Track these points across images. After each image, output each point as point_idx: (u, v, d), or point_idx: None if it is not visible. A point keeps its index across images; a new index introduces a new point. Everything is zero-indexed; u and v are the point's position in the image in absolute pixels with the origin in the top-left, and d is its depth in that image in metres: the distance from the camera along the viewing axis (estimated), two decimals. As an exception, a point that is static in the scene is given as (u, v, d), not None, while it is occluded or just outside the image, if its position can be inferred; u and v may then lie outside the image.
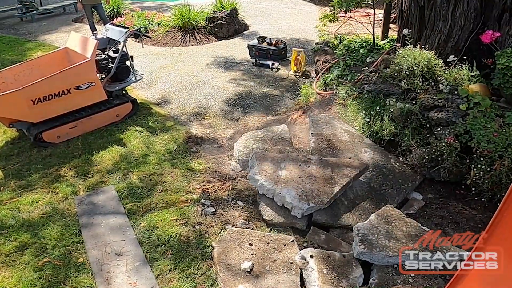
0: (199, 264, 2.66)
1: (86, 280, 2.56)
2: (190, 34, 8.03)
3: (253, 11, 10.17)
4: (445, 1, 3.90)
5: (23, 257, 2.76)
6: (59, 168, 3.83)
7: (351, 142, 3.76)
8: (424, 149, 3.28)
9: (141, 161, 3.89)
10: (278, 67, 6.39)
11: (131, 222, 3.07)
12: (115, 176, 3.67)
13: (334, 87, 4.87)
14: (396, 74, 3.95)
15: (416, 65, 3.75)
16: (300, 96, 5.26)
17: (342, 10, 5.11)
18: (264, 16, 9.82)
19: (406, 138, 3.52)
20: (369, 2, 5.24)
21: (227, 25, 8.16)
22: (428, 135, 3.40)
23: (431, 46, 4.06)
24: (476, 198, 3.04)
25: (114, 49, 4.93)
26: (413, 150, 3.42)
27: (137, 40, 6.51)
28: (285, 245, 2.73)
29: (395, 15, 6.72)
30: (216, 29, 8.12)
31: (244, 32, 8.55)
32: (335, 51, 5.77)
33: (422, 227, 2.68)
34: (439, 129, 3.25)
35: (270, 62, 6.43)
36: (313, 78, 5.77)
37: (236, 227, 2.97)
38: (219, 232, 2.93)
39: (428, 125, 3.43)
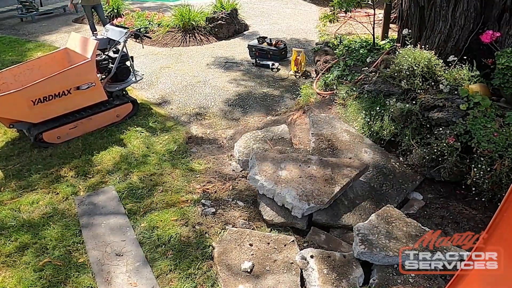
0: (199, 264, 2.66)
1: (86, 281, 2.56)
2: (190, 35, 8.03)
3: (253, 12, 10.18)
4: (445, 1, 3.90)
5: (23, 258, 2.77)
6: (59, 169, 3.83)
7: (351, 142, 3.76)
8: (424, 149, 3.27)
9: (142, 162, 3.89)
10: (278, 67, 6.39)
11: (132, 223, 3.07)
12: (115, 176, 3.67)
13: (334, 87, 4.88)
14: (396, 74, 3.95)
15: (416, 65, 3.75)
16: (300, 96, 5.26)
17: (342, 10, 5.11)
18: (264, 17, 9.82)
19: (406, 138, 3.52)
20: (369, 2, 5.24)
21: (227, 25, 8.16)
22: (428, 135, 3.40)
23: (431, 46, 4.06)
24: (476, 198, 3.04)
25: (114, 50, 4.94)
26: (413, 150, 3.41)
27: (137, 40, 6.52)
28: (285, 245, 2.73)
29: (395, 15, 6.72)
30: (216, 30, 8.12)
31: (244, 33, 8.55)
32: (335, 51, 5.77)
33: (423, 227, 2.68)
34: (439, 129, 3.25)
35: (270, 62, 6.43)
36: (313, 78, 5.77)
37: (236, 227, 2.97)
38: (220, 232, 2.94)
39: (428, 125, 3.43)
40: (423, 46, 3.99)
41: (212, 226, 3.00)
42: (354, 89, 4.44)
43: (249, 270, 2.54)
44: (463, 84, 3.47)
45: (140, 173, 3.69)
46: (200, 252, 2.76)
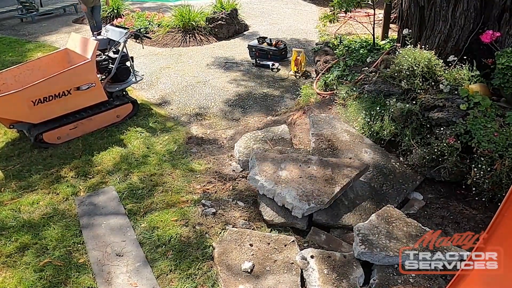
0: (199, 265, 2.66)
1: (86, 281, 2.56)
2: (190, 35, 8.03)
3: (253, 12, 10.18)
4: (445, 1, 3.90)
5: (23, 258, 2.77)
6: (59, 169, 3.84)
7: (352, 142, 3.76)
8: (424, 149, 3.27)
9: (142, 162, 3.90)
10: (278, 68, 6.39)
11: (132, 223, 3.07)
12: (115, 176, 3.67)
13: (334, 87, 4.88)
14: (396, 74, 3.95)
15: (416, 65, 3.75)
16: (300, 96, 5.26)
17: (342, 10, 5.11)
18: (264, 17, 9.83)
19: (406, 138, 3.52)
20: (369, 2, 5.24)
21: (227, 25, 8.16)
22: (428, 135, 3.40)
23: (431, 46, 4.06)
24: (476, 198, 3.03)
25: (114, 50, 4.94)
26: (413, 150, 3.41)
27: (137, 41, 6.52)
28: (285, 246, 2.73)
29: (395, 15, 6.73)
30: (216, 30, 8.13)
31: (244, 33, 8.55)
32: (335, 52, 5.77)
33: (423, 227, 2.68)
34: (439, 129, 3.25)
35: (270, 63, 6.43)
36: (313, 78, 5.77)
37: (236, 228, 2.97)
38: (220, 233, 2.94)
39: (428, 125, 3.43)
40: (423, 46, 4.00)
41: (212, 226, 3.00)
42: (354, 89, 4.44)
43: (249, 270, 2.54)
44: (463, 84, 3.47)
45: (140, 174, 3.69)
46: (201, 252, 2.76)
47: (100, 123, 4.57)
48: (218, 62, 6.82)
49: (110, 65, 4.74)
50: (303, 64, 6.00)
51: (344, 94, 4.53)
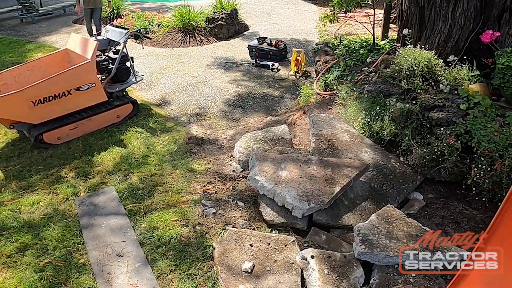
0: (200, 265, 2.66)
1: (87, 281, 2.56)
2: (190, 35, 8.03)
3: (253, 12, 10.18)
4: (445, 1, 3.90)
5: (24, 258, 2.77)
6: (59, 169, 3.84)
7: (352, 142, 3.76)
8: (424, 149, 3.27)
9: (142, 162, 3.90)
10: (278, 68, 6.39)
11: (132, 223, 3.07)
12: (115, 177, 3.67)
13: (334, 88, 4.88)
14: (396, 74, 3.95)
15: (416, 65, 3.75)
16: (300, 96, 5.26)
17: (342, 10, 5.11)
18: (264, 17, 9.83)
19: (406, 138, 3.52)
20: (369, 2, 5.24)
21: (227, 25, 8.16)
22: (428, 135, 3.40)
23: (431, 46, 4.06)
24: (476, 198, 3.03)
25: (114, 50, 4.94)
26: (413, 150, 3.41)
27: (137, 41, 6.53)
28: (285, 246, 2.73)
29: (395, 15, 6.73)
30: (216, 30, 8.13)
31: (244, 33, 8.55)
32: (335, 52, 5.77)
33: (423, 227, 2.68)
34: (439, 129, 3.25)
35: (270, 63, 6.44)
36: (313, 78, 5.77)
37: (236, 228, 2.97)
38: (220, 233, 2.94)
39: (428, 125, 3.43)
40: (423, 46, 3.99)
41: (212, 227, 3.01)
42: (354, 89, 4.44)
43: (249, 271, 2.54)
44: (463, 84, 3.47)
45: (141, 174, 3.69)
46: (201, 252, 2.76)
47: (100, 123, 4.57)
48: (218, 62, 6.82)
49: (110, 65, 4.74)
50: (303, 64, 6.00)
51: (344, 94, 4.53)
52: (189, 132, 4.57)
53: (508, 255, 1.72)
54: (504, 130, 2.95)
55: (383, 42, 5.62)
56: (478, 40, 3.63)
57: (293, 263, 2.59)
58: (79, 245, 2.87)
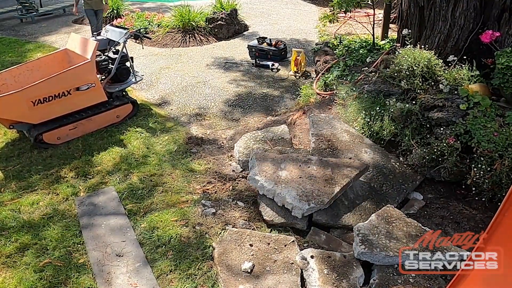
0: (199, 265, 2.66)
1: (86, 281, 2.56)
2: (190, 35, 8.03)
3: (253, 12, 10.18)
4: (444, 1, 3.90)
5: (23, 258, 2.77)
6: (59, 169, 3.84)
7: (351, 142, 3.76)
8: (424, 149, 3.27)
9: (142, 162, 3.90)
10: (278, 68, 6.39)
11: (132, 223, 3.07)
12: (115, 177, 3.67)
13: (334, 88, 4.87)
14: (396, 74, 3.95)
15: (416, 65, 3.75)
16: (300, 96, 5.26)
17: (342, 10, 5.11)
18: (264, 17, 9.83)
19: (406, 138, 3.52)
20: (369, 2, 5.24)
21: (227, 25, 8.16)
22: (428, 135, 3.40)
23: (431, 46, 4.06)
24: (476, 198, 3.03)
25: (114, 50, 4.94)
26: (413, 150, 3.42)
27: (137, 41, 6.52)
28: (285, 246, 2.73)
29: (395, 15, 6.73)
30: (216, 30, 8.13)
31: (244, 33, 8.55)
32: (335, 52, 5.77)
33: (423, 227, 2.68)
34: (439, 129, 3.25)
35: (270, 63, 6.44)
36: (313, 78, 5.77)
37: (236, 228, 2.97)
38: (220, 233, 2.94)
39: (428, 125, 3.43)
40: (422, 46, 3.99)
41: (212, 227, 3.00)
42: (354, 89, 4.44)
43: (249, 271, 2.54)
44: (463, 84, 3.47)
45: (140, 174, 3.69)
46: (201, 252, 2.76)
47: (100, 123, 4.57)
48: (218, 62, 6.82)
49: (110, 65, 4.74)
50: (303, 64, 6.00)
51: (344, 94, 4.53)
52: (189, 132, 4.57)
53: (508, 255, 1.72)
54: (504, 130, 2.95)
55: (383, 42, 5.62)
56: (478, 40, 3.63)
57: (293, 263, 2.59)
58: (79, 245, 2.87)
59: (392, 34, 6.14)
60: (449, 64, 3.76)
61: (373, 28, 5.41)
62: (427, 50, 3.88)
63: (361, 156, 3.57)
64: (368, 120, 3.90)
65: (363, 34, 6.31)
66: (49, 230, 3.02)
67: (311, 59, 6.42)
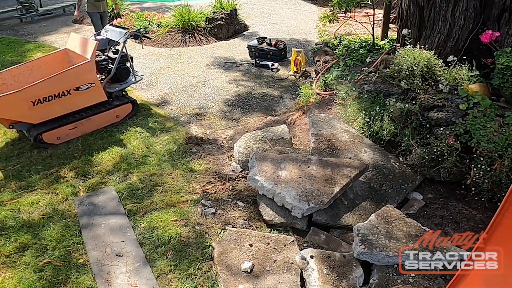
0: (199, 265, 2.66)
1: (86, 281, 2.56)
2: (190, 35, 8.03)
3: (253, 12, 10.18)
4: (444, 1, 3.90)
5: (23, 258, 2.76)
6: (59, 169, 3.83)
7: (351, 142, 3.76)
8: (424, 149, 3.27)
9: (141, 162, 3.89)
10: (278, 68, 6.39)
11: (131, 223, 3.07)
12: (115, 177, 3.67)
13: (334, 88, 4.87)
14: (395, 74, 3.95)
15: (416, 65, 3.75)
16: (300, 96, 5.26)
17: (341, 10, 5.11)
18: (264, 17, 9.83)
19: (406, 138, 3.52)
20: (369, 2, 5.24)
21: (227, 25, 8.16)
22: (428, 135, 3.40)
23: (431, 46, 4.06)
24: (476, 198, 3.03)
25: (114, 50, 4.94)
26: (413, 150, 3.42)
27: (137, 41, 6.50)
28: (285, 246, 2.73)
29: (394, 15, 6.72)
30: (216, 30, 8.12)
31: (244, 33, 8.55)
32: (335, 52, 5.77)
33: (422, 227, 2.68)
34: (439, 129, 3.25)
35: (270, 63, 6.43)
36: (313, 78, 5.77)
37: (236, 228, 2.97)
38: (219, 233, 2.94)
39: (428, 125, 3.43)
40: (422, 46, 3.99)
41: (212, 227, 3.00)
42: (354, 89, 4.44)
43: (249, 270, 2.54)
44: (463, 84, 3.47)
45: (140, 174, 3.69)
46: (200, 252, 2.76)
47: (100, 123, 4.57)
48: (217, 62, 6.82)
49: (109, 65, 4.74)
50: (302, 64, 6.00)
51: (343, 94, 4.53)
52: (188, 132, 4.57)
53: (508, 255, 1.72)
54: (504, 130, 2.95)
55: (383, 42, 5.62)
56: (477, 40, 3.63)
57: (292, 263, 2.58)
58: (79, 245, 2.87)
59: (392, 34, 6.14)
60: (449, 64, 3.76)
61: (373, 28, 5.41)
62: (427, 50, 3.88)
63: (360, 156, 3.57)
64: (368, 120, 3.90)
65: (363, 34, 6.31)
66: (48, 230, 3.02)
67: (311, 59, 6.42)
